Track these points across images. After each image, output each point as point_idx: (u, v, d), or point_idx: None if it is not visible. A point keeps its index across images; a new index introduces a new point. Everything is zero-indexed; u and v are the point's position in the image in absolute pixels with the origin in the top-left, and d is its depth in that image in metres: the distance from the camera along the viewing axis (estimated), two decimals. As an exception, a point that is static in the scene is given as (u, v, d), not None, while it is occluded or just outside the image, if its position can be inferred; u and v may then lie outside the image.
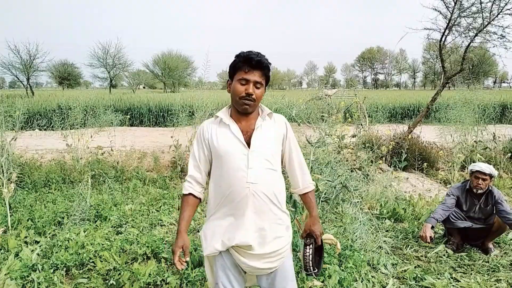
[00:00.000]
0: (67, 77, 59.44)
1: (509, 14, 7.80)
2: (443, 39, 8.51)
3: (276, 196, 1.97)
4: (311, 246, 2.15)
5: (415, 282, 3.41)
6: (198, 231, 4.34)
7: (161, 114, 17.18)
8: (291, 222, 3.75)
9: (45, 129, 11.18)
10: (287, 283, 2.05)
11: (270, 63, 1.99)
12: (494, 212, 4.13)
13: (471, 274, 3.59)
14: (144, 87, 77.90)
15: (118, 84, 75.56)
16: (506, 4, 7.76)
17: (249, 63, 1.91)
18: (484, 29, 8.14)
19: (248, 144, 1.94)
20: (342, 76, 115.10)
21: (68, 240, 4.09)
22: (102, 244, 4.00)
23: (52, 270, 3.45)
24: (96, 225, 4.66)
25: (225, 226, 1.96)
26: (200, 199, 2.07)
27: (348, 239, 3.99)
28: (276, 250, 1.97)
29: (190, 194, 2.04)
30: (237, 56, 1.97)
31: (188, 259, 2.00)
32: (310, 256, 2.14)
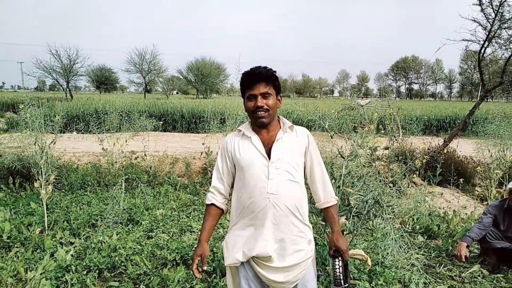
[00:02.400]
0: (104, 81, 61.30)
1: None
2: (482, 51, 8.26)
3: (297, 208, 1.98)
4: (339, 258, 2.13)
5: (449, 303, 3.30)
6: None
7: (194, 120, 17.45)
8: (321, 235, 3.74)
9: (82, 132, 11.56)
10: None
11: (274, 71, 2.03)
12: (534, 233, 3.95)
13: (509, 297, 3.44)
14: (177, 93, 79.42)
15: (152, 89, 77.26)
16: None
17: (251, 79, 1.98)
18: (527, 41, 7.85)
19: (269, 156, 1.96)
20: (375, 85, 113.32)
21: (101, 243, 4.21)
22: (134, 248, 4.09)
23: (85, 272, 3.56)
24: (128, 228, 4.77)
25: (246, 236, 1.98)
26: (222, 209, 2.10)
27: (378, 255, 3.91)
28: (296, 264, 1.97)
29: (212, 204, 2.08)
30: (241, 77, 2.05)
31: (206, 268, 2.03)
32: (340, 268, 2.10)
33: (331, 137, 4.21)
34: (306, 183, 2.15)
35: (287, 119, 2.14)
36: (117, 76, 65.30)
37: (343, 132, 4.52)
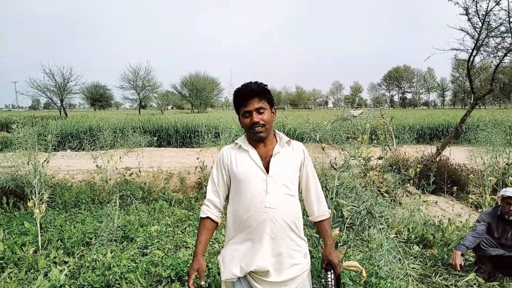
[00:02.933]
0: (99, 98, 61.32)
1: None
2: (471, 59, 8.38)
3: (294, 222, 2.00)
4: (332, 271, 2.14)
5: (445, 312, 3.29)
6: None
7: (188, 135, 17.47)
8: (315, 248, 3.73)
9: (76, 150, 11.53)
10: None
11: (265, 85, 2.06)
12: (528, 239, 3.96)
13: (505, 305, 3.43)
14: (172, 108, 79.49)
15: (147, 105, 77.35)
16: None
17: (243, 96, 2.01)
18: (514, 49, 7.97)
19: (267, 170, 1.97)
20: (368, 95, 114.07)
21: (95, 261, 4.18)
22: (128, 266, 4.06)
23: (79, 291, 3.53)
24: (123, 246, 4.74)
25: (243, 251, 1.98)
26: (217, 223, 2.10)
27: (374, 266, 3.90)
28: (293, 278, 1.98)
29: (207, 217, 2.08)
30: (233, 94, 2.07)
31: (203, 283, 2.01)
32: (332, 281, 2.12)
33: (323, 149, 4.23)
34: (300, 197, 2.17)
35: (281, 131, 2.17)
36: (111, 93, 65.39)
37: (336, 143, 4.55)
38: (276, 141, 2.09)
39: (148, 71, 47.96)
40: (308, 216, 2.23)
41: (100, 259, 4.23)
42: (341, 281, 3.68)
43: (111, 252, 4.48)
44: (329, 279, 2.12)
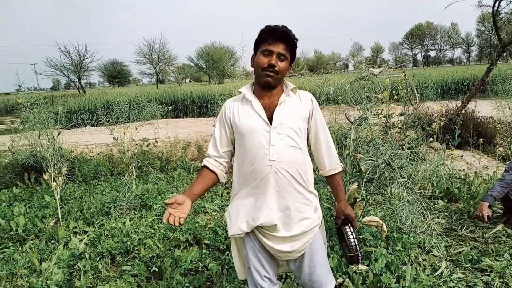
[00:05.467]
0: (117, 75, 61.86)
1: None
2: (496, 4, 7.84)
3: (301, 175, 1.85)
4: (349, 225, 2.01)
5: (471, 264, 3.15)
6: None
7: (205, 104, 17.42)
8: (334, 204, 3.61)
9: (95, 125, 11.63)
10: (315, 266, 1.93)
11: (297, 39, 1.88)
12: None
13: (535, 255, 3.26)
14: (190, 81, 79.49)
15: (165, 79, 77.62)
16: None
17: (273, 35, 1.83)
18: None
19: (271, 121, 1.83)
20: (390, 56, 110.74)
21: (114, 229, 4.20)
22: (146, 232, 4.07)
23: (98, 258, 3.54)
24: (141, 214, 4.75)
25: (249, 205, 1.87)
26: (216, 173, 1.95)
27: (396, 222, 3.76)
28: (303, 232, 1.86)
29: (204, 166, 1.96)
30: (261, 29, 1.88)
31: (182, 223, 1.75)
32: (353, 234, 1.99)
33: (338, 103, 4.04)
34: (310, 151, 2.03)
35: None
36: (129, 69, 65.80)
37: (356, 101, 4.34)
38: (283, 91, 1.93)
39: (163, 44, 47.90)
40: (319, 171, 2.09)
41: (119, 227, 4.24)
42: (361, 236, 3.58)
43: (130, 220, 4.49)
44: (350, 233, 1.99)
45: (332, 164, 2.01)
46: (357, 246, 1.97)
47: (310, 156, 2.00)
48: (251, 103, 1.88)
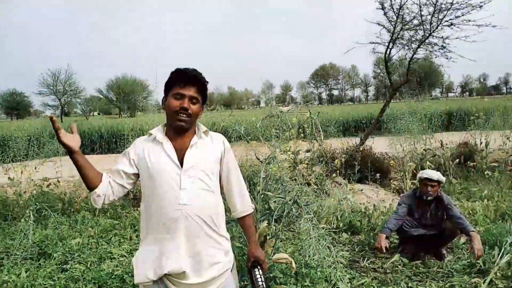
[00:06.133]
0: (15, 106, 56.97)
1: (448, 26, 8.23)
2: (388, 51, 8.85)
3: (212, 219, 1.86)
4: (259, 268, 2.05)
5: (372, 295, 3.37)
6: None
7: (114, 140, 16.69)
8: (246, 245, 3.65)
9: (-14, 163, 10.48)
10: None
11: (207, 81, 1.93)
12: (445, 217, 4.20)
13: (427, 281, 3.60)
14: (99, 114, 75.89)
15: (71, 112, 73.19)
16: (444, 17, 8.21)
17: (184, 78, 1.85)
18: (426, 41, 8.54)
19: (182, 163, 1.83)
20: (297, 93, 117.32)
21: (6, 283, 3.76)
22: (45, 285, 3.71)
23: (-15, 319, 3.14)
24: (39, 263, 4.33)
25: (156, 251, 1.82)
26: (101, 177, 1.85)
27: (304, 257, 3.91)
28: (214, 277, 1.85)
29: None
30: (172, 72, 1.89)
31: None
32: (261, 277, 2.02)
33: (248, 142, 4.17)
34: (222, 192, 2.05)
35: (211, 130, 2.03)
36: (30, 100, 61.02)
37: (266, 139, 4.52)
38: (195, 133, 1.95)
39: (70, 75, 45.36)
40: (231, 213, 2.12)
41: (13, 280, 3.81)
42: (272, 274, 3.65)
43: (26, 271, 4.05)
44: (258, 276, 2.02)
45: (244, 206, 2.04)
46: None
47: (222, 196, 2.03)
48: (162, 144, 1.86)
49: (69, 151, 1.74)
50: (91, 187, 1.82)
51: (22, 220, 4.91)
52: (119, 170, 1.89)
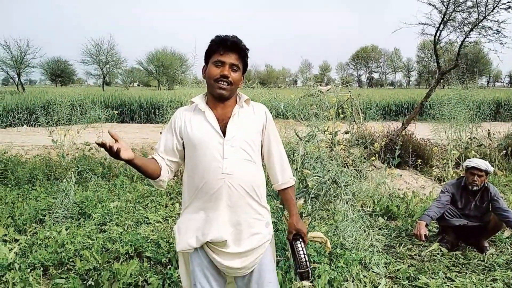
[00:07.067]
0: (60, 74, 58.97)
1: (505, 9, 7.69)
2: (437, 34, 8.40)
3: (254, 189, 1.83)
4: (301, 240, 2.00)
5: (408, 281, 3.28)
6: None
7: (152, 110, 16.97)
8: (280, 219, 3.63)
9: (33, 126, 10.95)
10: (263, 284, 1.87)
11: (247, 49, 1.87)
12: (490, 209, 4.01)
13: (466, 273, 3.46)
14: (138, 85, 77.48)
15: (112, 82, 75.07)
16: (502, -2, 7.66)
17: (224, 45, 1.80)
18: (480, 24, 8.04)
19: (224, 133, 1.79)
20: (336, 74, 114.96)
21: (48, 239, 3.93)
22: (83, 243, 3.84)
23: (29, 270, 3.29)
24: (79, 222, 4.49)
25: (199, 220, 1.81)
26: (161, 168, 1.83)
27: (339, 238, 3.85)
28: (253, 248, 1.83)
29: (152, 158, 1.88)
30: (212, 40, 1.84)
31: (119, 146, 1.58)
32: (304, 250, 1.97)
33: (287, 118, 4.09)
34: (263, 164, 2.01)
35: None
36: (74, 68, 62.96)
37: (304, 118, 4.43)
38: (236, 102, 1.90)
39: (112, 45, 46.30)
40: (271, 185, 2.08)
41: (54, 236, 3.97)
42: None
43: (66, 229, 4.22)
44: (300, 249, 1.97)
45: (285, 178, 2.00)
46: (307, 263, 1.95)
47: (263, 168, 1.99)
48: (204, 113, 1.83)
49: (129, 162, 1.64)
50: (154, 178, 1.81)
51: (64, 180, 5.08)
52: (172, 149, 1.88)
